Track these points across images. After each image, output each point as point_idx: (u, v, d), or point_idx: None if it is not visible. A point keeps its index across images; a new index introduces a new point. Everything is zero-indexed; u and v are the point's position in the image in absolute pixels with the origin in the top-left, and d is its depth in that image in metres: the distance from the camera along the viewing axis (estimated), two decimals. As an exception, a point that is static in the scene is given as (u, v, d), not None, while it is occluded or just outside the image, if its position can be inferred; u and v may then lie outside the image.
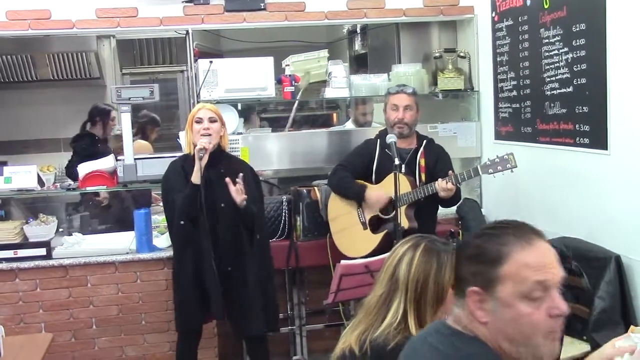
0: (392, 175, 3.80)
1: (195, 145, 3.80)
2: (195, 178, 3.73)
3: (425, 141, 4.27)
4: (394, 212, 4.01)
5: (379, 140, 4.28)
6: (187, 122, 3.94)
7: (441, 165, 4.18)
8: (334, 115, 6.78)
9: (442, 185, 3.90)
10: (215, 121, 3.85)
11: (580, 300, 3.74)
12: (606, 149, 3.61)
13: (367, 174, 4.26)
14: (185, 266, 3.88)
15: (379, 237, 4.18)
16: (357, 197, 4.23)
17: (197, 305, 3.88)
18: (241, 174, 3.74)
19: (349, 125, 5.60)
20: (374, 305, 2.39)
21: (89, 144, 5.58)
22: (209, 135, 3.80)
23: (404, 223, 3.97)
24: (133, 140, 4.63)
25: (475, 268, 1.60)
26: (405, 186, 4.02)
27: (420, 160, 4.20)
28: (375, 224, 4.22)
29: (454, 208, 5.07)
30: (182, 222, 3.81)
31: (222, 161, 3.89)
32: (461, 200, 4.41)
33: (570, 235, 3.88)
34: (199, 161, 3.70)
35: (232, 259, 3.85)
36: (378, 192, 4.15)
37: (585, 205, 3.85)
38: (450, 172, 3.97)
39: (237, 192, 3.71)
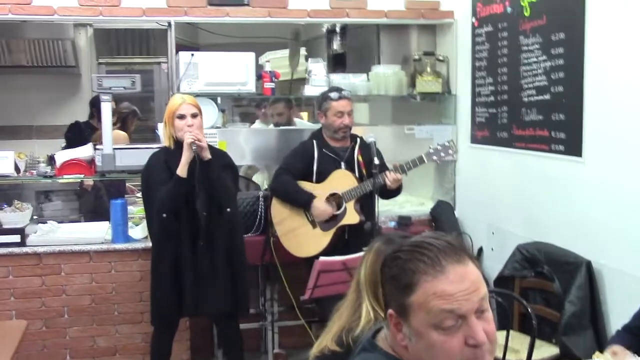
0: (336, 172, 4.21)
1: (175, 139, 3.81)
2: (182, 171, 3.72)
3: (358, 139, 4.39)
4: (342, 208, 4.22)
5: (315, 141, 4.35)
6: (165, 115, 3.90)
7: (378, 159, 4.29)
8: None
9: (392, 176, 4.07)
10: (196, 116, 3.84)
11: (551, 304, 3.83)
12: (580, 156, 3.70)
13: (307, 174, 4.32)
14: (163, 260, 3.86)
15: (330, 234, 4.25)
16: (304, 207, 4.28)
17: (174, 300, 3.85)
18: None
19: (256, 125, 5.69)
20: (346, 309, 2.44)
21: (76, 134, 5.55)
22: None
23: (354, 218, 4.15)
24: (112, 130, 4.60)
25: (391, 292, 1.53)
26: (352, 181, 4.18)
27: (358, 156, 4.32)
28: (324, 221, 4.28)
29: (427, 209, 5.16)
30: (164, 215, 3.78)
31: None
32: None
33: (543, 240, 3.97)
34: (187, 153, 3.70)
35: (204, 234, 3.82)
36: (322, 206, 4.22)
37: (558, 210, 3.93)
38: (395, 163, 4.17)
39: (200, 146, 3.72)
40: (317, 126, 4.66)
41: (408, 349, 1.51)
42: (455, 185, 5.18)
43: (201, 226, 3.80)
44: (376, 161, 3.86)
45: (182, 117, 3.81)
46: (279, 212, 4.39)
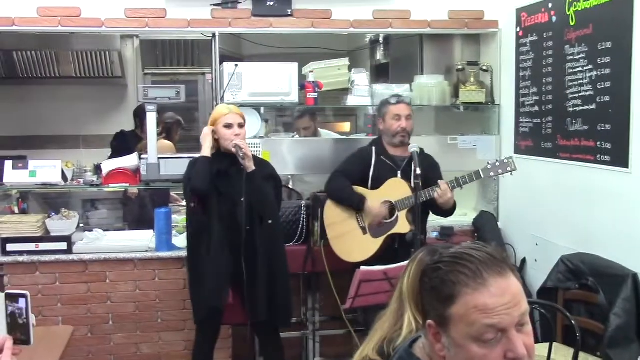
0: (391, 181, 4.11)
1: (217, 149, 3.88)
2: (206, 151, 3.82)
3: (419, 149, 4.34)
4: (394, 217, 4.17)
5: (374, 148, 4.36)
6: (209, 123, 3.94)
7: (434, 173, 4.29)
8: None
9: (442, 188, 4.00)
10: (242, 126, 3.88)
11: (596, 316, 3.76)
12: (627, 167, 3.63)
13: (364, 180, 4.33)
14: (199, 251, 3.86)
15: (379, 241, 4.23)
16: (357, 208, 4.29)
17: (213, 285, 3.83)
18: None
19: None
20: (388, 319, 2.43)
21: (121, 142, 5.65)
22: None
23: (405, 227, 4.10)
24: (157, 140, 4.67)
25: (431, 302, 1.53)
26: (406, 190, 4.14)
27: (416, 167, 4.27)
28: (375, 229, 4.27)
29: (470, 220, 5.12)
30: (192, 205, 3.84)
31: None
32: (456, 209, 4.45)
33: (588, 252, 3.91)
34: (236, 152, 3.77)
35: (245, 245, 3.82)
36: (377, 207, 4.21)
37: (603, 222, 3.87)
38: (447, 181, 4.09)
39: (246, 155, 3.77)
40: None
41: (446, 359, 1.52)
42: (499, 196, 5.13)
43: (243, 237, 3.80)
44: (418, 171, 3.82)
45: (229, 126, 3.84)
46: (332, 215, 4.42)
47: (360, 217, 4.32)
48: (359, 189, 4.32)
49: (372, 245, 4.24)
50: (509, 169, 4.02)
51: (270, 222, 3.88)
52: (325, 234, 4.45)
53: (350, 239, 4.34)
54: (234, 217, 3.82)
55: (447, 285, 1.47)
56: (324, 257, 4.47)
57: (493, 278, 1.45)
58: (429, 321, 1.53)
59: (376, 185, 4.28)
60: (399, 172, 4.23)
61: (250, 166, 3.78)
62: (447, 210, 4.19)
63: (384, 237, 4.22)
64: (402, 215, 4.17)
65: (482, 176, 4.08)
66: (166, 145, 5.36)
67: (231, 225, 3.82)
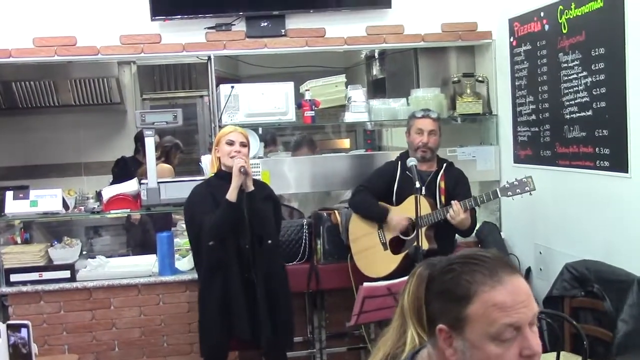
0: (412, 197, 3.86)
1: (219, 167, 3.87)
2: (232, 195, 3.71)
3: (445, 164, 4.33)
4: (414, 234, 4.09)
5: (399, 162, 4.34)
6: (215, 141, 3.96)
7: (460, 189, 4.26)
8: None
9: (455, 209, 3.96)
10: (245, 146, 3.88)
11: (603, 323, 3.73)
12: (627, 171, 3.63)
13: (388, 195, 4.32)
14: (213, 290, 3.83)
15: (399, 257, 4.21)
16: (379, 220, 4.29)
17: (223, 330, 3.82)
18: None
19: None
20: (391, 335, 2.42)
21: (122, 168, 5.67)
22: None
23: (424, 244, 3.99)
24: (156, 164, 4.68)
25: (443, 305, 1.53)
26: (425, 208, 4.05)
27: (440, 182, 4.25)
28: (396, 245, 4.26)
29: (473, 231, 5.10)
30: (210, 243, 3.77)
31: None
32: (477, 226, 4.43)
33: (592, 258, 3.89)
34: (237, 178, 3.70)
35: (246, 265, 3.81)
36: (399, 217, 4.20)
37: (606, 227, 3.86)
38: (460, 201, 4.03)
39: (246, 177, 3.74)
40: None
41: None
42: (501, 206, 5.12)
43: (244, 258, 3.79)
44: (417, 184, 3.80)
45: (231, 142, 3.86)
46: (356, 230, 4.45)
47: (382, 233, 4.31)
48: (382, 205, 4.31)
49: (392, 261, 4.22)
50: (527, 188, 3.95)
51: (269, 242, 3.87)
52: (350, 250, 4.47)
53: (371, 255, 4.34)
54: (236, 238, 3.81)
55: (463, 285, 1.49)
56: (351, 275, 4.47)
57: (508, 276, 1.48)
58: (440, 326, 1.52)
59: (400, 199, 4.26)
60: (423, 188, 4.06)
61: (250, 186, 3.78)
62: (464, 231, 4.16)
63: (404, 254, 4.20)
64: (422, 232, 4.05)
65: (499, 196, 4.05)
66: (165, 169, 5.37)
67: (234, 246, 3.80)
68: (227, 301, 3.82)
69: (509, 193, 4.00)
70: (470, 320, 1.46)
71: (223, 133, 3.92)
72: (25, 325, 1.98)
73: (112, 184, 5.48)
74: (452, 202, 4.02)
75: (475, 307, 1.46)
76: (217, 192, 3.81)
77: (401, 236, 4.23)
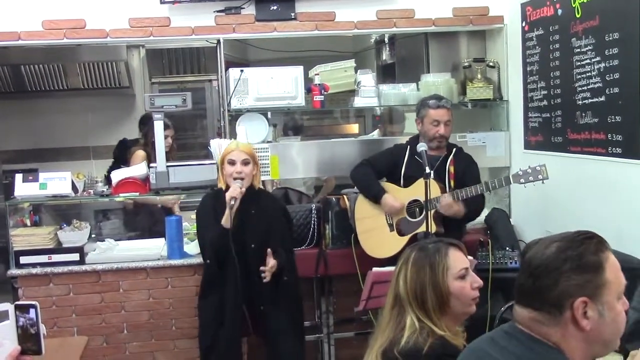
0: (422, 180, 3.88)
1: (227, 186, 3.84)
2: (226, 222, 3.71)
3: (455, 149, 4.32)
4: (422, 216, 4.11)
5: (409, 146, 4.33)
6: (219, 159, 3.98)
7: (469, 174, 4.27)
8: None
9: (443, 203, 4.01)
10: (248, 163, 3.84)
11: (614, 310, 3.72)
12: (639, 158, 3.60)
13: (395, 177, 4.33)
14: (208, 305, 3.91)
15: (405, 239, 4.21)
16: (374, 198, 4.30)
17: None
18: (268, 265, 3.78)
19: None
20: (387, 323, 2.42)
21: (122, 151, 5.65)
22: (242, 179, 3.79)
23: (433, 227, 4.01)
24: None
25: (581, 278, 1.65)
26: (435, 191, 4.07)
27: (450, 167, 4.25)
28: (403, 226, 4.25)
29: (482, 217, 5.08)
30: (208, 261, 3.86)
31: (253, 201, 3.86)
32: (485, 211, 4.42)
33: (603, 245, 3.86)
34: (229, 209, 3.68)
35: (265, 298, 3.84)
36: (393, 202, 4.22)
37: (617, 214, 3.83)
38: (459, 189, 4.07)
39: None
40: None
41: (589, 333, 1.65)
42: (510, 193, 5.10)
43: (244, 288, 3.79)
44: (427, 170, 3.80)
45: (232, 162, 3.84)
46: (362, 209, 4.44)
47: (389, 214, 4.30)
48: (390, 186, 4.31)
49: (397, 243, 4.22)
50: (540, 177, 3.95)
51: (285, 278, 3.89)
52: (355, 230, 4.48)
53: (376, 235, 4.35)
54: (245, 262, 3.80)
55: (593, 256, 1.67)
56: (356, 260, 4.47)
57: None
58: (581, 299, 1.64)
59: (408, 183, 4.27)
60: (431, 172, 4.04)
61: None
62: (463, 219, 4.20)
63: (410, 235, 4.20)
64: (430, 215, 4.06)
65: (512, 182, 4.06)
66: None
67: (243, 271, 3.78)
68: (221, 320, 3.85)
69: (522, 180, 4.00)
70: (608, 284, 1.66)
71: (226, 152, 3.90)
72: (33, 306, 1.97)
73: (112, 166, 5.49)
74: (444, 195, 4.04)
75: (608, 272, 1.66)
76: (220, 207, 3.80)
77: (409, 218, 4.22)
